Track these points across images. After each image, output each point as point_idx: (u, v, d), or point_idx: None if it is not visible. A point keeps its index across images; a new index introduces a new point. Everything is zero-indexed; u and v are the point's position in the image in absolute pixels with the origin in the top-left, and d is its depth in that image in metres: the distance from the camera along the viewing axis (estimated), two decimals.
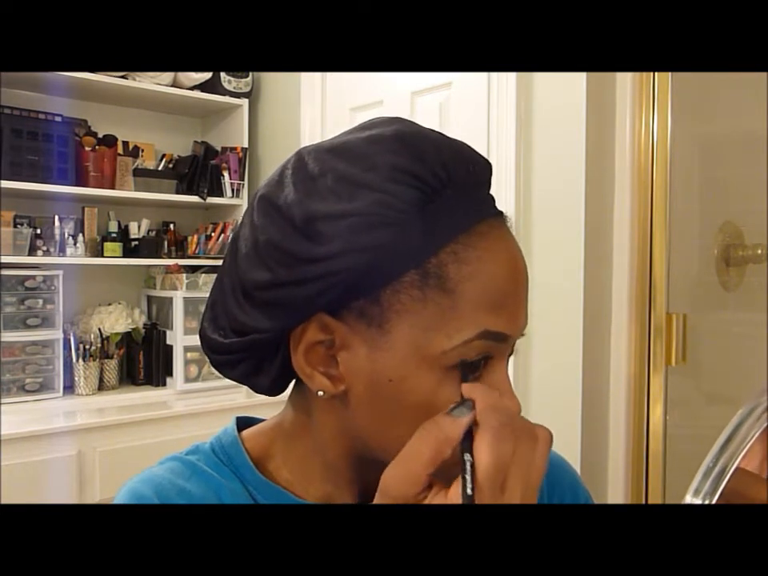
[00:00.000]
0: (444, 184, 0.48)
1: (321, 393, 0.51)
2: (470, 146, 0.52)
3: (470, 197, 0.50)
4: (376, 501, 0.44)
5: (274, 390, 0.55)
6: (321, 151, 0.50)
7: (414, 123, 0.52)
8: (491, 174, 0.53)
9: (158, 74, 2.48)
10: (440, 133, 0.51)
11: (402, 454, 0.44)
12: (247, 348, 0.52)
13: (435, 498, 0.43)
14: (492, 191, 0.54)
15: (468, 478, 0.42)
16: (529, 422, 0.46)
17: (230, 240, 0.55)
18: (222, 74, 2.63)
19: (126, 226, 2.56)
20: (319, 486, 0.56)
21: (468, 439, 0.44)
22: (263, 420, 0.62)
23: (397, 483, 0.43)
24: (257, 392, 0.55)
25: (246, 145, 2.70)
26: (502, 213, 0.53)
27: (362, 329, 0.49)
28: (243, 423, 0.61)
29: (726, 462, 0.45)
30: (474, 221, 0.49)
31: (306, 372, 0.51)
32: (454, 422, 0.44)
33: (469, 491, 0.41)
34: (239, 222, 0.54)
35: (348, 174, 0.48)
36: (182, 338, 2.47)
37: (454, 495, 0.42)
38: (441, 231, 0.47)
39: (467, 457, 0.43)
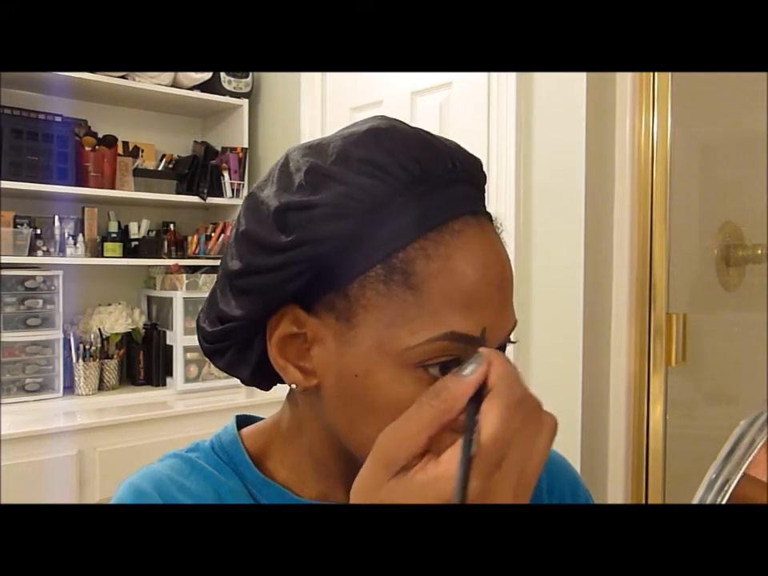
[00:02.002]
0: (416, 179, 0.48)
1: (294, 386, 0.52)
2: (457, 145, 0.52)
3: (446, 193, 0.49)
4: (364, 467, 0.41)
5: (254, 381, 0.56)
6: (303, 148, 0.52)
7: (397, 121, 0.51)
8: (480, 173, 0.53)
9: (158, 73, 2.49)
10: (422, 131, 0.51)
11: (404, 414, 0.41)
12: (226, 336, 0.53)
13: (427, 467, 0.40)
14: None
15: (473, 438, 0.39)
16: (538, 404, 0.43)
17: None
18: (222, 74, 2.63)
19: (126, 226, 2.56)
20: (314, 485, 0.57)
21: (476, 401, 0.41)
22: (263, 419, 0.62)
23: (391, 443, 0.40)
24: (243, 383, 0.57)
25: (245, 145, 2.70)
26: (486, 212, 0.52)
27: (331, 323, 0.49)
28: (243, 421, 0.62)
29: (728, 475, 0.45)
30: (448, 218, 0.48)
31: (279, 364, 0.52)
32: (461, 380, 0.41)
33: (472, 451, 0.39)
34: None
35: (318, 167, 0.49)
36: (181, 338, 2.47)
37: (448, 459, 0.39)
38: (409, 226, 0.47)
39: (475, 418, 0.39)
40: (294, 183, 0.49)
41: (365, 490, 0.41)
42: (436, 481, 0.39)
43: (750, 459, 0.45)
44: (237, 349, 0.54)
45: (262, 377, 0.56)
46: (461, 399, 0.40)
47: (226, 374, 0.58)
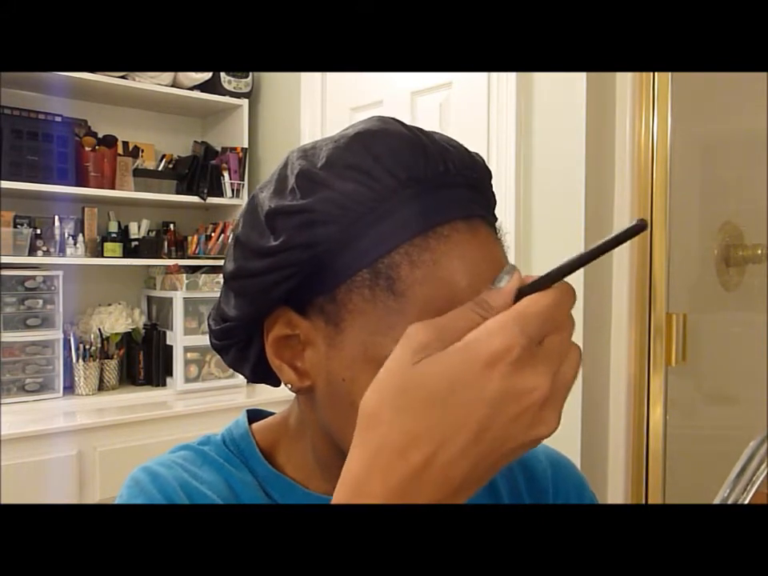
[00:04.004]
0: (402, 183, 0.47)
1: (289, 386, 0.53)
2: (457, 145, 0.51)
3: (435, 197, 0.48)
4: (392, 355, 0.39)
5: (257, 378, 0.58)
6: (300, 151, 0.52)
7: (393, 122, 0.50)
8: (481, 174, 0.52)
9: (158, 73, 2.49)
10: (418, 131, 0.50)
11: (444, 315, 0.40)
12: (227, 335, 0.55)
13: (463, 338, 0.38)
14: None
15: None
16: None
17: None
18: (222, 74, 2.64)
19: (126, 226, 2.56)
20: (319, 483, 0.57)
21: None
22: (273, 413, 0.63)
23: (426, 331, 0.39)
24: (247, 380, 0.59)
25: (245, 145, 2.70)
26: (484, 216, 0.51)
27: (321, 326, 0.49)
28: (254, 416, 0.62)
29: (737, 496, 0.45)
30: (436, 222, 0.47)
31: (275, 364, 0.52)
32: (497, 292, 0.40)
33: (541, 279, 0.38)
34: None
35: (310, 172, 0.49)
36: (181, 338, 2.47)
37: (489, 322, 0.38)
38: (394, 231, 0.47)
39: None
40: (288, 187, 0.49)
41: (386, 376, 0.39)
42: (478, 340, 0.37)
43: (759, 480, 0.45)
44: (238, 347, 0.56)
45: (264, 375, 0.57)
46: (498, 309, 0.39)
47: (225, 374, 0.59)
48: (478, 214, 0.50)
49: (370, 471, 0.38)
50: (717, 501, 0.45)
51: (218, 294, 0.57)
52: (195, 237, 2.66)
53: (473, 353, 0.37)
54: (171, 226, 2.69)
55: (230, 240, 0.55)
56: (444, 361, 0.38)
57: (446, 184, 0.49)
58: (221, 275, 0.57)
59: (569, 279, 0.41)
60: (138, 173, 2.53)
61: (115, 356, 2.47)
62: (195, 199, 2.60)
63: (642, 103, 1.73)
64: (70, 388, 2.37)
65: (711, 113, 2.04)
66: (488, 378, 0.37)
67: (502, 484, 0.63)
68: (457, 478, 0.38)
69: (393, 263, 0.47)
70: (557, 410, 0.39)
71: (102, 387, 2.43)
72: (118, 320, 2.46)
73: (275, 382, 0.58)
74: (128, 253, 2.52)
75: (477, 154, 0.53)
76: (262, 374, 0.57)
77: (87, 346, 2.38)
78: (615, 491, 1.74)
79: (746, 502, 0.45)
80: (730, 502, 0.45)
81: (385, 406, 0.38)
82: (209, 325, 0.58)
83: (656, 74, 1.71)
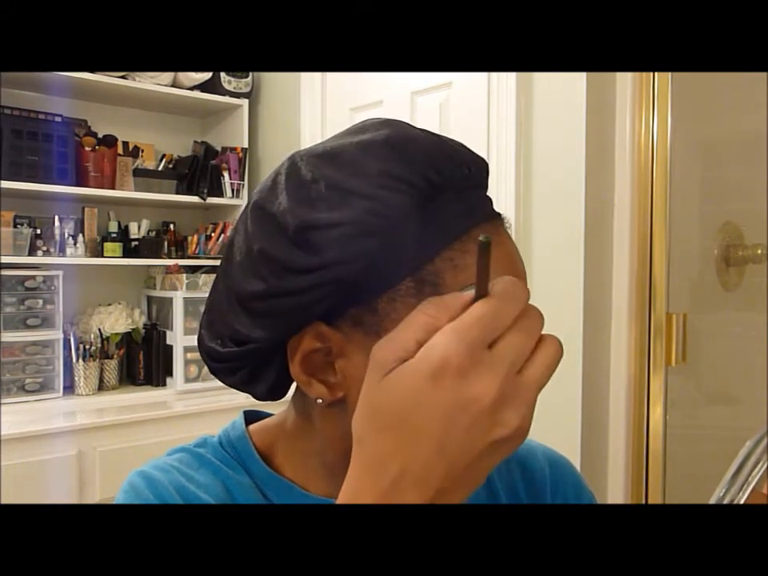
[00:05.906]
0: (437, 189, 0.47)
1: (319, 400, 0.51)
2: (466, 147, 0.51)
3: (466, 200, 0.48)
4: (367, 373, 0.40)
5: (272, 396, 0.55)
6: (313, 156, 0.50)
7: (407, 125, 0.51)
8: (488, 175, 0.52)
9: (158, 73, 2.49)
10: (434, 134, 0.50)
11: (392, 334, 0.40)
12: (244, 357, 0.51)
13: (416, 354, 0.38)
14: (492, 191, 0.53)
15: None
16: (539, 318, 0.40)
17: (226, 245, 0.55)
18: (222, 74, 2.64)
19: (126, 226, 2.56)
20: (319, 485, 0.57)
21: None
22: (271, 414, 0.63)
23: (382, 348, 0.40)
24: (256, 398, 0.55)
25: (245, 145, 2.70)
26: (499, 215, 0.52)
27: (358, 337, 0.48)
28: (251, 417, 0.62)
29: (733, 496, 0.45)
30: (470, 225, 0.48)
31: (303, 380, 0.50)
32: (458, 296, 0.40)
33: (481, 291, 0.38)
34: (234, 225, 0.54)
35: (338, 181, 0.47)
36: (181, 338, 2.47)
37: (436, 337, 0.38)
38: (435, 237, 0.47)
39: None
40: (312, 197, 0.47)
41: (363, 396, 0.40)
42: (424, 355, 0.38)
43: (755, 480, 0.45)
44: (251, 368, 0.53)
45: (276, 392, 0.55)
46: (452, 312, 0.39)
47: None
48: (495, 214, 0.51)
49: (362, 487, 0.40)
50: (712, 500, 0.45)
51: None
52: (195, 237, 2.67)
53: (420, 368, 0.38)
54: (171, 225, 2.69)
55: (240, 253, 0.51)
56: (400, 378, 0.39)
57: (469, 186, 0.49)
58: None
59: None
60: (138, 173, 2.53)
61: (115, 356, 2.47)
62: (195, 199, 2.60)
63: (642, 103, 1.73)
64: (70, 388, 2.37)
65: (711, 113, 2.04)
66: (437, 391, 0.37)
67: (500, 484, 0.63)
68: (431, 490, 0.38)
69: (436, 270, 0.46)
70: (516, 410, 0.38)
71: (101, 387, 2.43)
72: (118, 320, 2.46)
73: (278, 398, 0.56)
74: (128, 253, 2.52)
75: (480, 156, 0.53)
76: (275, 391, 0.54)
77: (87, 346, 2.38)
78: (615, 491, 1.74)
79: (742, 501, 0.45)
80: (725, 501, 0.45)
81: (364, 426, 0.40)
82: (208, 347, 0.53)
83: (656, 73, 1.71)
